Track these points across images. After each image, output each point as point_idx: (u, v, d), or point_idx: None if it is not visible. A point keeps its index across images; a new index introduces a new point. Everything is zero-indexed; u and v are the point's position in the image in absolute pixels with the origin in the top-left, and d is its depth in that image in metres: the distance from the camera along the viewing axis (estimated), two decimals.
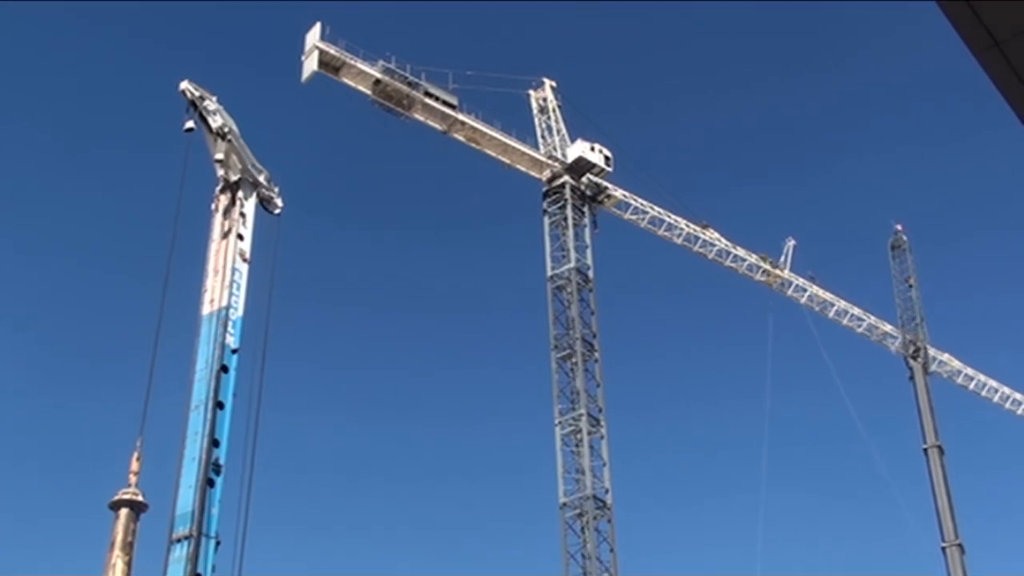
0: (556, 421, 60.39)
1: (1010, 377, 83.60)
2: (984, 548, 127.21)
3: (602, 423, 60.65)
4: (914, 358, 77.04)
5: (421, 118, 62.57)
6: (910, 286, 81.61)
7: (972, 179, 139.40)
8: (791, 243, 76.73)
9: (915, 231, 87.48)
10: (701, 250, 72.14)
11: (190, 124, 47.39)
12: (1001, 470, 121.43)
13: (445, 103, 62.18)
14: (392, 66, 60.59)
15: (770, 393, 78.79)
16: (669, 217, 70.28)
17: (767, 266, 74.70)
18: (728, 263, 73.47)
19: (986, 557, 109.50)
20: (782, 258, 75.64)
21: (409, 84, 60.97)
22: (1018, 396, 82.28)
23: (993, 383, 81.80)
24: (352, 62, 59.61)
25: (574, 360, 61.53)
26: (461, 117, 62.97)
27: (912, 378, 76.94)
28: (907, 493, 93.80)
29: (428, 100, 61.68)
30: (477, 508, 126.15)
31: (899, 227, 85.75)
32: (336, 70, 59.61)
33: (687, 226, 71.11)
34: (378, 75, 60.08)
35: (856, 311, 78.30)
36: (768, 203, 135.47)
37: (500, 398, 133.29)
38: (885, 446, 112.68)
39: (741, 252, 73.70)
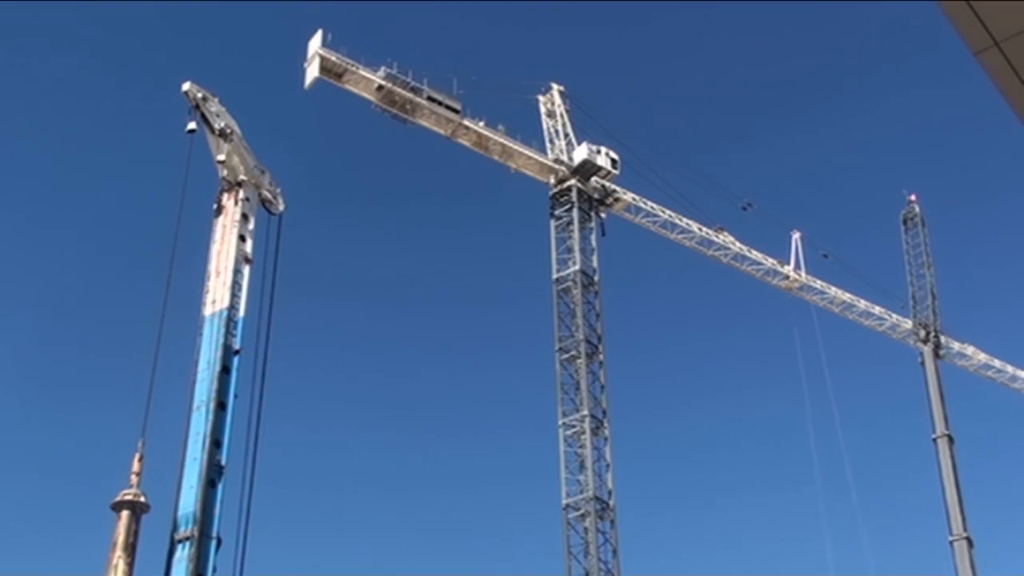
0: (560, 422, 60.27)
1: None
2: (994, 542, 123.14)
3: (605, 425, 60.40)
4: (924, 342, 73.81)
5: (426, 123, 63.06)
6: (924, 264, 76.75)
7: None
8: (796, 235, 75.03)
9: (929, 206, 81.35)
10: (715, 254, 71.73)
11: (192, 125, 47.62)
12: (1015, 462, 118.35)
13: (449, 108, 62.66)
14: (394, 72, 61.16)
15: (808, 400, 76.43)
16: (681, 221, 70.00)
17: (785, 270, 73.92)
18: (745, 267, 73.01)
19: (995, 551, 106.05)
20: (791, 253, 74.30)
21: (412, 90, 61.41)
22: None
23: (1010, 369, 78.24)
24: (354, 69, 60.19)
25: (579, 362, 61.44)
26: (465, 122, 63.42)
27: (923, 363, 73.54)
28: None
29: (431, 105, 62.17)
30: (479, 508, 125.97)
31: (912, 197, 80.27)
32: (339, 76, 60.25)
33: (700, 229, 70.80)
34: (380, 81, 60.67)
35: (876, 310, 76.47)
36: (777, 200, 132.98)
37: (504, 399, 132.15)
38: (898, 436, 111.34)
39: (757, 256, 73.18)
